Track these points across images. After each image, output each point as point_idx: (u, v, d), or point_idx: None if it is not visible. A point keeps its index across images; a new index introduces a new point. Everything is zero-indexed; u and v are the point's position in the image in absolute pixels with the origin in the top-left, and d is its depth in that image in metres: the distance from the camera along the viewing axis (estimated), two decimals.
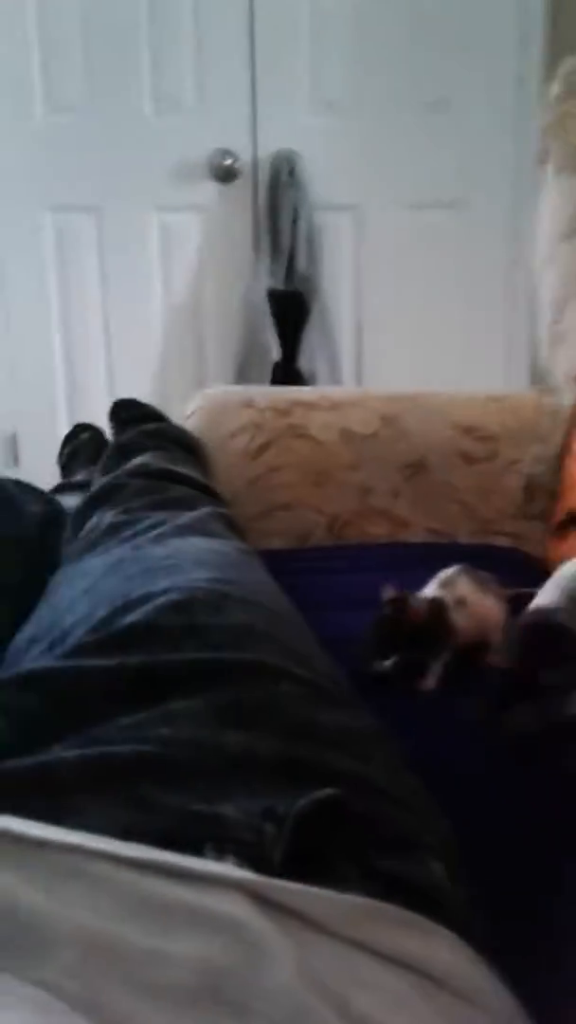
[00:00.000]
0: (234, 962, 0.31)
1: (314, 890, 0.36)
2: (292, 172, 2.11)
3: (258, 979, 0.31)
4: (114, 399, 1.28)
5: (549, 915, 0.49)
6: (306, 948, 0.33)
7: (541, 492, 1.17)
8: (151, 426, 1.16)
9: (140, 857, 0.35)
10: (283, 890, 0.35)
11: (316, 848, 0.39)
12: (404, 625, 0.72)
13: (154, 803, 0.40)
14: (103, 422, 1.29)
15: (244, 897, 0.34)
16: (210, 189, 2.19)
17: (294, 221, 2.11)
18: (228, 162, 2.15)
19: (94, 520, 0.87)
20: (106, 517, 0.86)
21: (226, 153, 2.15)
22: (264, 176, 2.15)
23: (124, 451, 1.07)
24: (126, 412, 1.19)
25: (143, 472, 1.00)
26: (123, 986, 0.29)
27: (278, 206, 2.11)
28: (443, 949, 0.38)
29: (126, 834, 0.36)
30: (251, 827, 0.39)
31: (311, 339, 2.16)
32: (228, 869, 0.36)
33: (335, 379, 2.20)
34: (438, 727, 0.66)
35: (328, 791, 0.40)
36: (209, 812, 0.40)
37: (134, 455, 1.05)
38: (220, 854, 0.37)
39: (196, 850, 0.37)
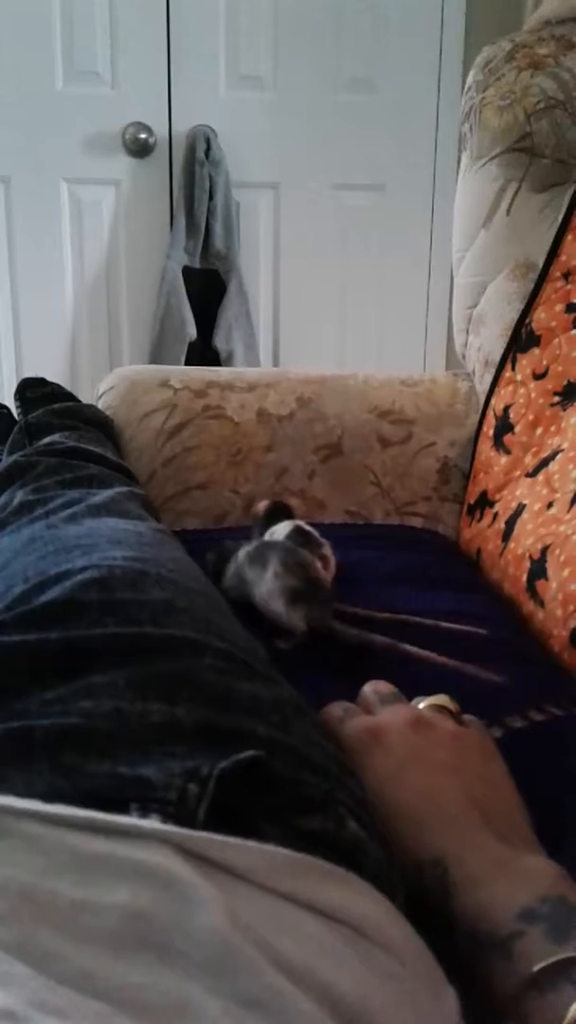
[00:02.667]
0: (161, 908, 0.32)
1: (239, 841, 0.37)
2: (209, 148, 2.08)
3: (185, 923, 0.32)
4: (22, 378, 1.24)
5: None
6: (232, 896, 0.34)
7: (455, 474, 1.19)
8: (60, 405, 1.13)
9: (66, 815, 0.35)
10: (208, 842, 0.36)
11: (239, 808, 0.39)
12: None
13: (77, 769, 0.40)
14: (9, 401, 1.26)
15: (170, 849, 0.35)
16: (124, 163, 2.15)
17: (210, 198, 2.08)
18: (143, 136, 2.11)
19: (4, 499, 0.85)
20: (16, 496, 0.84)
21: (140, 127, 2.11)
22: (180, 152, 2.12)
23: (33, 430, 1.05)
24: (32, 391, 1.15)
25: (55, 450, 0.97)
26: (52, 931, 0.30)
27: (194, 183, 2.08)
28: (363, 900, 0.38)
29: (50, 797, 0.36)
30: (174, 787, 0.39)
31: (228, 319, 2.14)
32: (153, 824, 0.36)
33: (252, 359, 2.19)
34: None
35: (251, 752, 0.41)
36: (132, 775, 0.40)
37: (43, 434, 1.03)
38: (144, 813, 0.37)
39: (121, 810, 0.37)
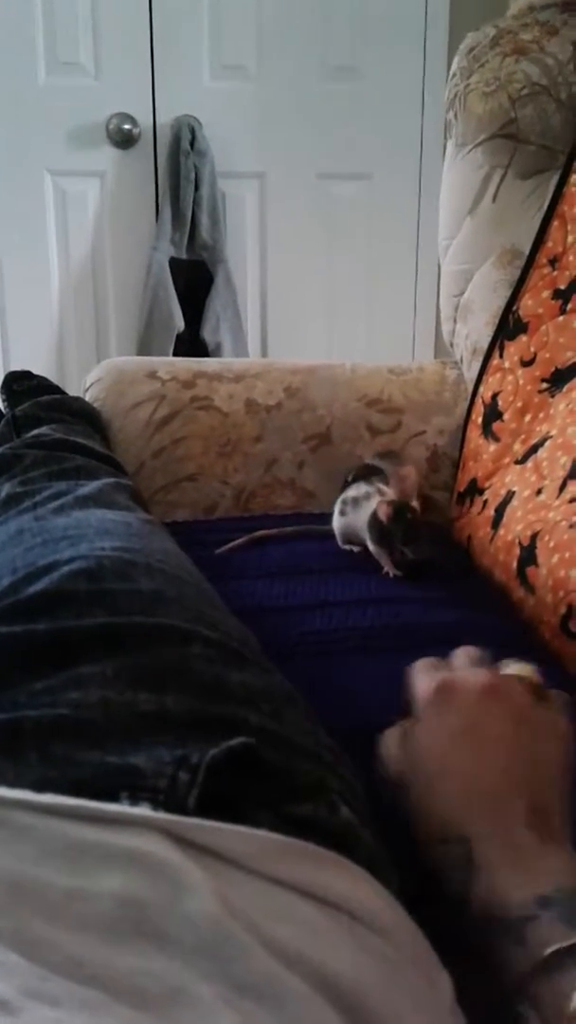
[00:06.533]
0: (153, 895, 0.32)
1: (229, 827, 0.37)
2: (193, 139, 2.07)
3: (177, 909, 0.32)
4: (8, 372, 1.24)
5: None
6: (224, 882, 0.34)
7: (445, 462, 1.19)
8: (47, 398, 1.13)
9: (57, 804, 0.36)
10: (199, 828, 0.36)
11: (230, 795, 0.39)
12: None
13: (67, 759, 0.40)
14: None
15: (160, 836, 0.35)
16: (109, 155, 2.14)
17: (196, 189, 2.08)
18: (127, 127, 2.10)
19: None
20: (4, 488, 0.84)
21: (125, 118, 2.10)
22: (164, 142, 2.11)
23: (20, 424, 1.05)
24: (19, 384, 1.15)
25: (41, 443, 0.97)
26: (45, 920, 0.30)
27: (179, 173, 2.07)
28: (356, 885, 0.39)
29: (40, 787, 0.36)
30: (165, 775, 0.39)
31: (215, 309, 2.13)
32: (144, 811, 0.37)
33: (240, 350, 2.18)
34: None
35: (241, 739, 0.41)
36: (122, 764, 0.40)
37: (30, 427, 1.03)
38: (135, 801, 0.38)
39: (111, 799, 0.37)
